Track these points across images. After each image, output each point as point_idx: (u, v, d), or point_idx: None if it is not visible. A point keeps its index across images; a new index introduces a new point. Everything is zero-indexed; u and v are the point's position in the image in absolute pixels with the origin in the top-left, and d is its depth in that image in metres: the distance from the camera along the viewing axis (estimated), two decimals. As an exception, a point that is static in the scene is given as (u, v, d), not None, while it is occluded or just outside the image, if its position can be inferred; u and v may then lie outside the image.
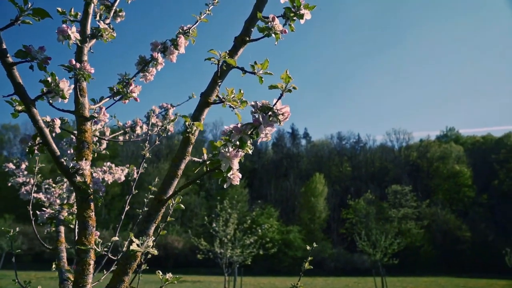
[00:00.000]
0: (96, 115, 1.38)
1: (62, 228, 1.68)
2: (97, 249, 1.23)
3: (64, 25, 1.24)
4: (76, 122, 1.36)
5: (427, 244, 38.60)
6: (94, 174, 2.41)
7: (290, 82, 1.11)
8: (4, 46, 1.02)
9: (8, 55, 1.03)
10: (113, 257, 1.13)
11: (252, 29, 1.40)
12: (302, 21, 1.40)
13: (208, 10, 1.98)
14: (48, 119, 1.34)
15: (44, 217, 1.62)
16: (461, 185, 49.14)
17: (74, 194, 1.92)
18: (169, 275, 1.18)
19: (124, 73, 1.64)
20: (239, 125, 1.13)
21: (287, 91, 1.13)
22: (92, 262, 1.24)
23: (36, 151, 1.18)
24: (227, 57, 1.26)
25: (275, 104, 1.13)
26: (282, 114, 1.14)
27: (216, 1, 2.02)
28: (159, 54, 1.77)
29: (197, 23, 1.93)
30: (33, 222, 1.64)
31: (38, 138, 1.19)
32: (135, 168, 2.39)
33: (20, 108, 1.17)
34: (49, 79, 1.11)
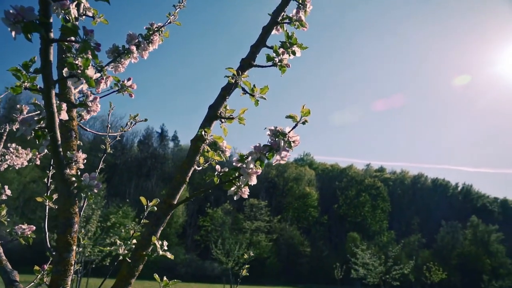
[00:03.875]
0: (90, 104, 1.27)
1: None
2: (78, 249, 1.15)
3: None
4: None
5: (273, 256, 41.86)
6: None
7: (308, 116, 1.26)
8: (51, 20, 0.92)
9: (51, 30, 0.93)
10: (129, 259, 1.06)
11: (257, 55, 1.50)
12: (291, 57, 1.57)
13: (175, 12, 1.99)
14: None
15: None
16: (308, 206, 54.88)
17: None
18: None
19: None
20: (260, 145, 1.22)
21: (301, 123, 1.27)
22: (73, 263, 1.15)
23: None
24: (242, 79, 1.35)
25: (289, 132, 1.26)
26: (294, 141, 1.28)
27: (182, 4, 2.05)
28: (134, 48, 1.71)
29: (167, 23, 1.92)
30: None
31: (42, 122, 1.07)
32: (37, 152, 2.18)
33: (27, 84, 1.04)
34: (79, 62, 1.03)
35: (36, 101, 1.29)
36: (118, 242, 0.98)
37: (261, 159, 1.21)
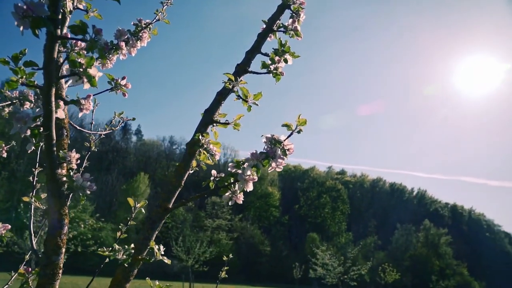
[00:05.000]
0: (83, 102, 1.23)
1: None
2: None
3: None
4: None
5: (233, 255, 41.78)
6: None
7: (304, 126, 1.29)
8: (60, 16, 0.89)
9: (59, 27, 0.90)
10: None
11: (252, 61, 1.52)
12: (283, 65, 1.59)
13: (163, 10, 1.97)
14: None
15: None
16: (270, 205, 55.37)
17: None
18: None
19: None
20: (257, 152, 1.23)
21: (296, 132, 1.30)
22: (61, 266, 1.12)
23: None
24: (239, 85, 1.35)
25: (285, 140, 1.28)
26: (288, 149, 1.30)
27: (170, 2, 2.02)
28: (124, 44, 1.68)
29: (154, 20, 1.89)
30: None
31: (37, 120, 1.03)
32: (3, 144, 2.08)
33: (24, 80, 1.00)
34: (82, 60, 1.00)
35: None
36: (117, 246, 0.96)
37: (258, 166, 1.22)
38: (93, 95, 1.32)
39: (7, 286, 1.25)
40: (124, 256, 0.95)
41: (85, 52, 1.15)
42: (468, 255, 55.20)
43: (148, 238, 1.11)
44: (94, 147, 1.60)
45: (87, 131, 1.53)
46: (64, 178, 1.14)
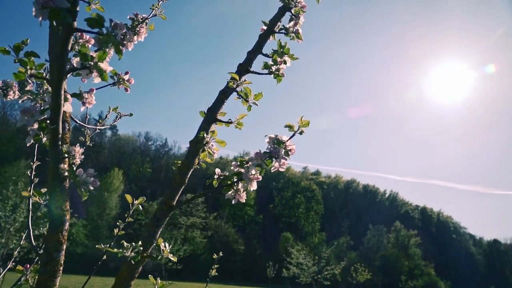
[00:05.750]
0: (86, 96, 1.21)
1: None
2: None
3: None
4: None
5: (207, 253, 41.69)
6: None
7: (306, 127, 1.31)
8: (78, 9, 0.88)
9: (76, 19, 0.89)
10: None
11: (253, 61, 1.53)
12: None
13: (159, 4, 1.96)
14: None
15: None
16: (245, 204, 55.41)
17: None
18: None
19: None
20: (261, 152, 1.25)
21: (299, 133, 1.32)
22: (62, 263, 1.10)
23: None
24: (244, 85, 1.37)
25: (287, 140, 1.31)
26: (290, 150, 1.32)
27: None
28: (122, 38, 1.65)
29: (151, 15, 1.88)
30: None
31: (44, 113, 1.00)
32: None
33: (33, 71, 0.98)
34: (94, 54, 0.99)
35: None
36: (125, 244, 0.95)
37: (261, 166, 1.24)
38: (96, 89, 1.30)
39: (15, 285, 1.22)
40: (133, 254, 0.95)
41: (95, 46, 1.13)
42: (435, 256, 57.04)
43: (153, 236, 1.10)
44: (89, 142, 1.57)
45: (88, 126, 1.50)
46: (66, 173, 1.12)
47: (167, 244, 1.06)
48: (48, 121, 1.01)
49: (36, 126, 1.00)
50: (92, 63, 1.01)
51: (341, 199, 66.52)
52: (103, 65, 1.02)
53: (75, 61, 1.05)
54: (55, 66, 0.92)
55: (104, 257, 1.21)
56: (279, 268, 30.54)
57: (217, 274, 1.93)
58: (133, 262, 0.99)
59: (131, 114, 1.66)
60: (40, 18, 0.82)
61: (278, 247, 45.43)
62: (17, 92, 1.69)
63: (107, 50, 0.99)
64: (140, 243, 0.99)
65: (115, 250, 0.93)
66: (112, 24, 0.93)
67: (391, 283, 47.40)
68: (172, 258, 1.02)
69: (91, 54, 1.00)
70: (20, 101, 1.67)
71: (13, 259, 1.53)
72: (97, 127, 1.62)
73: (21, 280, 1.23)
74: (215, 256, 1.98)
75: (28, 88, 1.75)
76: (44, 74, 1.02)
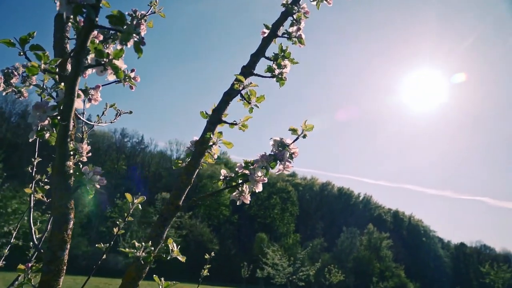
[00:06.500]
0: (92, 92, 1.19)
1: None
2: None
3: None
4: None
5: (181, 252, 41.23)
6: None
7: (310, 131, 1.34)
8: (101, 5, 0.88)
9: (98, 15, 0.88)
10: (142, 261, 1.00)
11: (257, 63, 1.55)
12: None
13: (156, 1, 1.95)
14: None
15: None
16: (220, 204, 55.25)
17: None
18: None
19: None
20: (266, 154, 1.27)
21: (302, 137, 1.35)
22: (66, 262, 1.09)
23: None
24: (249, 88, 1.38)
25: (291, 144, 1.33)
26: (293, 153, 1.35)
27: None
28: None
29: (149, 12, 1.87)
30: None
31: (56, 109, 0.99)
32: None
33: (47, 65, 0.97)
34: (110, 51, 0.98)
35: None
36: (137, 244, 0.94)
37: (267, 168, 1.25)
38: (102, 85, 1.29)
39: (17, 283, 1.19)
40: (144, 254, 0.94)
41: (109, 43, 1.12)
42: (406, 258, 58.55)
43: (160, 235, 1.10)
44: (86, 139, 1.55)
45: (90, 122, 1.48)
46: (72, 171, 1.10)
47: (175, 244, 1.07)
48: (59, 117, 0.99)
49: (47, 122, 0.98)
50: (107, 60, 1.01)
51: (316, 201, 67.27)
52: (119, 63, 1.02)
53: (90, 57, 1.04)
54: (73, 62, 0.91)
55: (104, 256, 1.20)
56: (253, 269, 30.61)
57: (208, 274, 1.93)
58: (143, 262, 0.99)
59: (130, 112, 1.64)
60: (65, 14, 0.81)
61: (253, 247, 45.53)
62: (1, 84, 1.65)
63: (121, 47, 0.98)
64: (150, 243, 0.99)
65: (127, 250, 0.92)
66: (135, 22, 0.92)
67: (363, 284, 48.33)
68: (181, 259, 1.02)
69: (107, 51, 0.99)
70: (4, 93, 1.62)
71: (3, 257, 1.49)
72: (95, 124, 1.59)
73: (18, 280, 1.20)
74: (207, 256, 1.98)
75: (13, 80, 1.70)
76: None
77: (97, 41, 1.16)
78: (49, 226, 1.53)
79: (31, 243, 1.18)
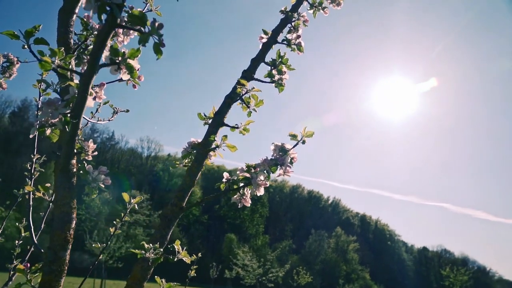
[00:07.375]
0: (96, 90, 1.17)
1: None
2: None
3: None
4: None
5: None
6: None
7: (310, 137, 1.38)
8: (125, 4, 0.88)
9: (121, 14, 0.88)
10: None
11: (257, 68, 1.57)
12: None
13: None
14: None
15: None
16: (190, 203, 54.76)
17: None
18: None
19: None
20: (268, 159, 1.29)
21: (301, 142, 1.38)
22: (67, 262, 1.08)
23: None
24: (252, 92, 1.40)
25: (291, 149, 1.36)
26: (293, 158, 1.38)
27: None
28: (121, 31, 1.63)
29: (146, 10, 1.86)
30: None
31: (68, 106, 0.98)
32: None
33: (60, 62, 0.96)
34: (125, 50, 0.98)
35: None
36: (146, 245, 0.94)
37: (268, 172, 1.28)
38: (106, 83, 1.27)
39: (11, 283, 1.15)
40: (153, 255, 0.95)
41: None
42: (371, 261, 60.04)
43: (164, 236, 1.11)
44: (81, 135, 1.52)
45: (91, 120, 1.45)
46: (75, 170, 1.09)
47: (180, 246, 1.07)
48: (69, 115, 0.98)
49: (57, 119, 0.96)
50: (121, 59, 1.00)
51: (286, 203, 67.86)
52: (133, 62, 1.01)
53: (104, 56, 1.03)
54: (90, 59, 0.90)
55: (101, 257, 1.18)
56: (222, 269, 30.51)
57: (195, 275, 1.93)
58: (150, 264, 0.99)
59: (127, 110, 1.62)
60: (91, 12, 0.81)
61: (222, 248, 45.38)
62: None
63: (140, 47, 0.98)
64: (158, 244, 0.99)
65: (137, 251, 0.92)
66: (157, 24, 0.92)
67: (329, 286, 49.17)
68: (186, 260, 1.03)
69: (123, 50, 0.99)
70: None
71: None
72: (90, 121, 1.57)
73: (12, 280, 1.18)
74: (194, 257, 1.97)
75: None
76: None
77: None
78: (42, 225, 1.49)
79: (23, 243, 1.15)
